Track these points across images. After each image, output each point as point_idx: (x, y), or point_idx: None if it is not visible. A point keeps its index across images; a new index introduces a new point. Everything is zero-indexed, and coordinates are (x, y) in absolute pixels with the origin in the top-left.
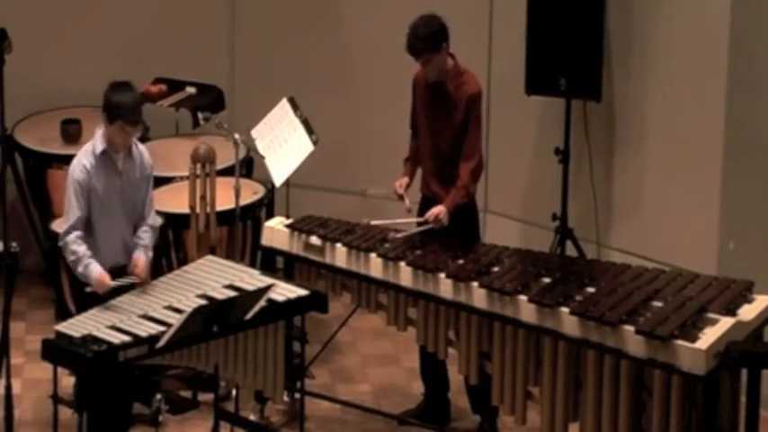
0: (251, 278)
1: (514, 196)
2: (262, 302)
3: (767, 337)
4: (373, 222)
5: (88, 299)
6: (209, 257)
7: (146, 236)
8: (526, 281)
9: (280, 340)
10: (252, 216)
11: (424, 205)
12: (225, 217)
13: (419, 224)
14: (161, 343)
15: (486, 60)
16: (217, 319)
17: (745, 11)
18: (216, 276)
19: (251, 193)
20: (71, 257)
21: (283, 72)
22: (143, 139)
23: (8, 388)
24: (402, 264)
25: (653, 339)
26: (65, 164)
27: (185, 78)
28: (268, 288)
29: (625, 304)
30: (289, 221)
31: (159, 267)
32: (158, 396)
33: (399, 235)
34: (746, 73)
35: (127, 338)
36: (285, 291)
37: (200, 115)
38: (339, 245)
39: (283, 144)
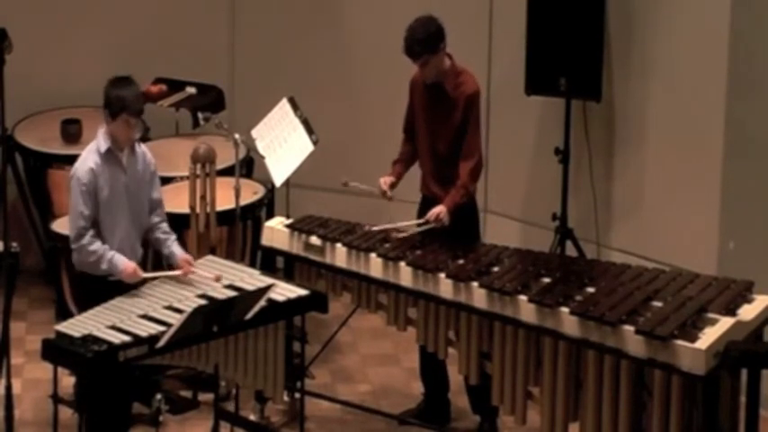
0: (251, 278)
1: (514, 196)
2: (262, 302)
3: (767, 337)
4: (374, 228)
5: (89, 296)
6: (210, 257)
7: (168, 227)
8: (526, 281)
9: (280, 340)
10: (252, 216)
11: (424, 205)
12: (225, 217)
13: (420, 225)
14: (161, 343)
15: (486, 60)
16: (217, 319)
17: (745, 11)
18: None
19: (251, 193)
20: (91, 258)
21: (283, 72)
22: (143, 139)
23: (8, 388)
24: (402, 264)
25: (653, 339)
26: (65, 164)
27: (185, 78)
28: (268, 288)
29: (625, 304)
30: (289, 221)
31: (159, 267)
32: (158, 396)
33: (401, 235)
34: (746, 73)
35: (127, 338)
36: (285, 291)
37: (200, 115)
38: (339, 245)
39: (283, 144)
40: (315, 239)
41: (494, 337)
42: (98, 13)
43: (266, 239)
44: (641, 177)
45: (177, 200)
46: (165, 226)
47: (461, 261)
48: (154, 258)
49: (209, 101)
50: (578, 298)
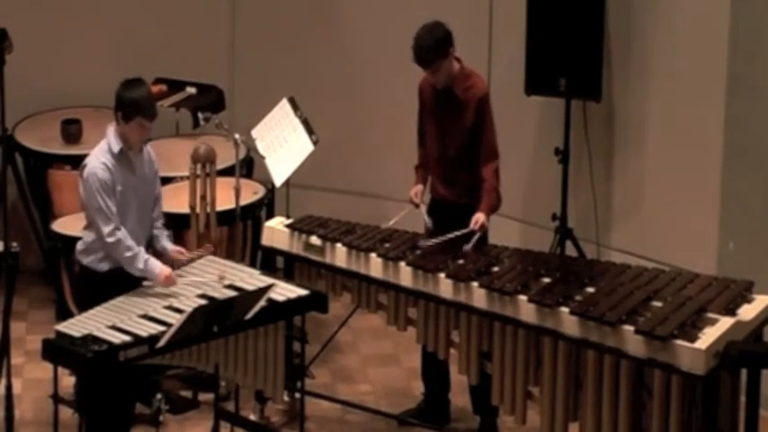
0: (251, 278)
1: (514, 196)
2: (262, 302)
3: (767, 336)
4: (428, 243)
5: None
6: (210, 257)
7: (161, 224)
8: (526, 281)
9: (280, 340)
10: (252, 216)
11: (433, 208)
12: (225, 217)
13: (467, 235)
14: (161, 343)
15: (486, 61)
16: (217, 318)
17: (745, 11)
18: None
19: (251, 193)
20: (127, 253)
21: (283, 72)
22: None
23: (9, 388)
24: (402, 264)
25: (653, 339)
26: (65, 164)
27: (185, 78)
28: (268, 288)
29: (625, 304)
30: (289, 221)
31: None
32: (159, 396)
33: (430, 242)
34: (746, 73)
35: (127, 338)
36: (285, 291)
37: (200, 115)
38: (339, 245)
39: (283, 144)
40: (315, 239)
41: (494, 337)
42: (98, 13)
43: (266, 239)
44: (641, 177)
45: (177, 200)
46: (160, 223)
47: (461, 261)
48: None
49: (210, 101)
50: (578, 298)
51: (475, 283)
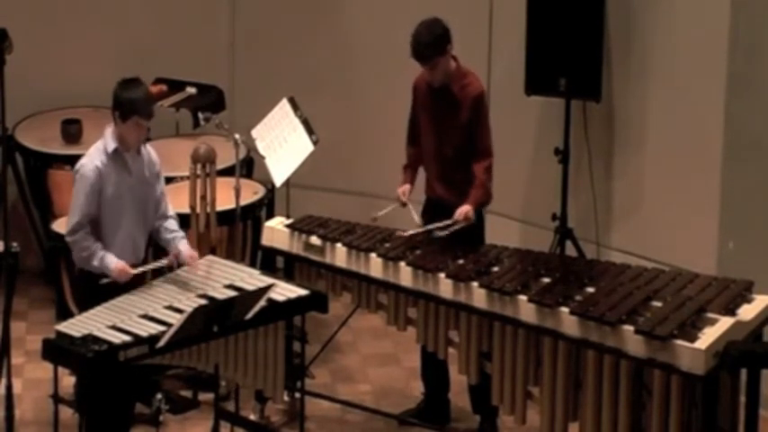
0: (251, 278)
1: (514, 196)
2: (262, 302)
3: (767, 336)
4: (408, 233)
5: (89, 295)
6: (210, 257)
7: (176, 225)
8: (526, 281)
9: (280, 340)
10: (252, 216)
11: (429, 208)
12: (225, 217)
13: (448, 226)
14: (161, 343)
15: (486, 61)
16: (217, 318)
17: (744, 11)
18: (216, 276)
19: (251, 193)
20: (83, 253)
21: (283, 72)
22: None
23: (9, 388)
24: (402, 264)
25: (652, 339)
26: (65, 164)
27: (186, 78)
28: (268, 288)
29: (624, 304)
30: (289, 221)
31: (160, 267)
32: (159, 396)
33: (407, 233)
34: (746, 73)
35: (127, 338)
36: (285, 291)
37: (200, 115)
38: (339, 245)
39: (283, 144)
40: (315, 239)
41: (494, 336)
42: (98, 13)
43: (266, 239)
44: (641, 177)
45: (177, 200)
46: (171, 224)
47: (461, 261)
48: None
49: (210, 101)
50: (578, 298)
51: (475, 283)
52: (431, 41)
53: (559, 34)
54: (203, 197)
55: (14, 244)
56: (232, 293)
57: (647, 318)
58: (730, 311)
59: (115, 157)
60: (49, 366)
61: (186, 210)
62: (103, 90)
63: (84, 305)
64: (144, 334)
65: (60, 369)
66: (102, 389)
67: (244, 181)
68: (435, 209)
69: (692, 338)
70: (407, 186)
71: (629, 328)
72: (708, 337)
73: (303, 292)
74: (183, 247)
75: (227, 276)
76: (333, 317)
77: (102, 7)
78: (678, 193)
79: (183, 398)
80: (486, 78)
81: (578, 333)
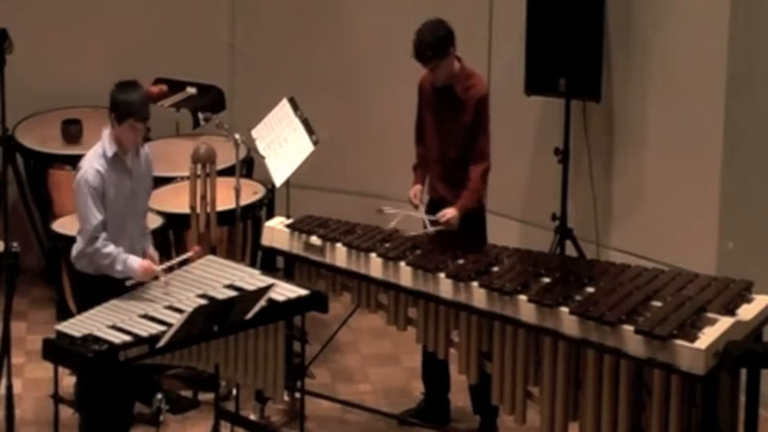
0: (251, 278)
1: (514, 196)
2: (262, 302)
3: (766, 336)
4: (386, 210)
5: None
6: (210, 257)
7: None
8: (526, 281)
9: (280, 340)
10: (252, 216)
11: (432, 208)
12: (225, 217)
13: (431, 222)
14: (162, 343)
15: (486, 60)
16: (217, 318)
17: (744, 11)
18: (216, 276)
19: (251, 193)
20: (105, 261)
21: (283, 72)
22: (144, 140)
23: (9, 387)
24: (402, 264)
25: (652, 339)
26: (66, 164)
27: (186, 78)
28: (268, 288)
29: (624, 304)
30: (289, 221)
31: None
32: (159, 395)
33: (408, 234)
34: (746, 73)
35: (127, 338)
36: (285, 291)
37: (200, 115)
38: (339, 245)
39: (283, 144)
40: (315, 239)
41: (494, 336)
42: (99, 13)
43: (266, 239)
44: (641, 177)
45: (177, 200)
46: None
47: (461, 261)
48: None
49: (210, 101)
50: (578, 298)
51: (475, 283)
52: (433, 43)
53: (559, 34)
54: (203, 197)
55: (15, 244)
56: (232, 293)
57: (646, 318)
58: (730, 311)
59: (115, 160)
60: (49, 366)
61: (186, 210)
62: (103, 90)
63: (85, 305)
64: (144, 334)
65: (60, 369)
66: (102, 389)
67: (244, 181)
68: (437, 209)
69: (692, 338)
70: (418, 187)
71: (628, 327)
72: (708, 336)
73: (303, 292)
74: (149, 248)
75: (227, 276)
76: (333, 317)
77: (102, 7)
78: (678, 193)
79: (184, 398)
80: (486, 78)
81: (578, 333)
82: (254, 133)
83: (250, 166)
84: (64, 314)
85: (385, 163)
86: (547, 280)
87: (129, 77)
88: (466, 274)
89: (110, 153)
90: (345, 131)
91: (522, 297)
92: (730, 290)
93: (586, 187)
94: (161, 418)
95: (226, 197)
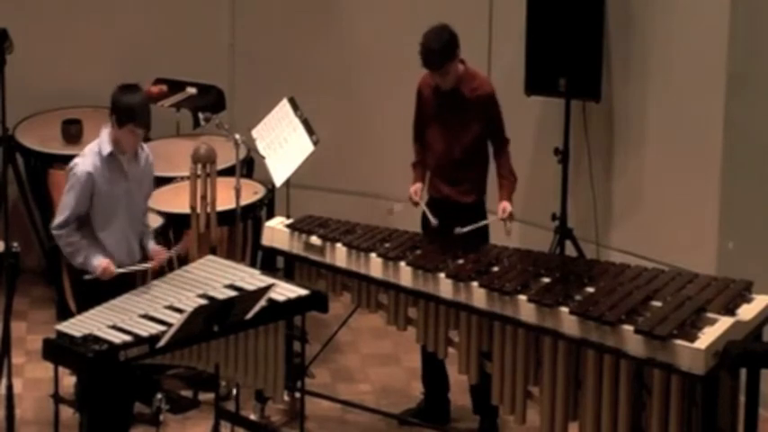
0: (251, 278)
1: (514, 196)
2: (262, 302)
3: (766, 336)
4: (396, 208)
5: (89, 296)
6: (210, 257)
7: (147, 220)
8: (526, 281)
9: (280, 340)
10: (252, 216)
11: (434, 207)
12: (225, 217)
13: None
14: (162, 342)
15: (486, 61)
16: (217, 318)
17: (744, 11)
18: (216, 276)
19: (251, 193)
20: (68, 249)
21: (283, 72)
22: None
23: (9, 387)
24: (402, 264)
25: (652, 339)
26: (66, 164)
27: (186, 79)
28: (268, 288)
29: (624, 304)
30: (289, 221)
31: (160, 267)
32: (159, 395)
33: (465, 228)
34: (745, 73)
35: (128, 338)
36: (285, 290)
37: (200, 115)
38: (339, 245)
39: (284, 144)
40: (315, 239)
41: (494, 336)
42: (99, 13)
43: (266, 239)
44: (640, 177)
45: (177, 200)
46: (145, 220)
47: (461, 261)
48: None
49: (210, 101)
50: (578, 298)
51: (475, 283)
52: (440, 49)
53: (559, 34)
54: (203, 197)
55: (15, 244)
56: (232, 293)
57: (646, 317)
58: (730, 311)
59: (110, 160)
60: (49, 366)
61: (186, 210)
62: (104, 90)
63: (85, 305)
64: (144, 334)
65: (61, 369)
66: (102, 388)
67: (244, 181)
68: (439, 207)
69: (692, 338)
70: (419, 185)
71: (628, 327)
72: (707, 336)
73: (303, 292)
74: (150, 243)
75: (227, 276)
76: (333, 317)
77: (103, 7)
78: (678, 193)
79: (184, 398)
80: None
81: (578, 333)
82: (255, 133)
83: (250, 166)
84: (64, 314)
85: (385, 163)
86: (547, 280)
87: (129, 77)
88: (466, 274)
89: (105, 152)
90: (345, 131)
91: (522, 297)
92: (730, 290)
93: (586, 187)
94: (161, 418)
95: (226, 197)
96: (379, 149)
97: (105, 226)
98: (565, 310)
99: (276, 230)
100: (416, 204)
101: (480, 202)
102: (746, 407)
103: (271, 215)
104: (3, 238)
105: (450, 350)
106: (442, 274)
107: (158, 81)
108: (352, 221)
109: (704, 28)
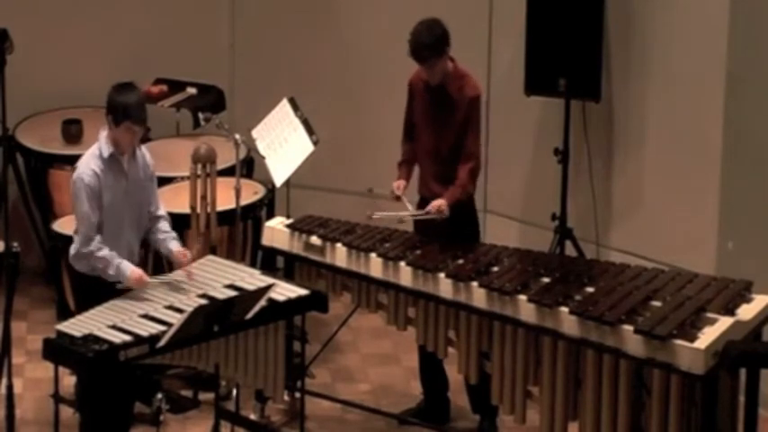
0: (251, 278)
1: (514, 196)
2: (262, 302)
3: (766, 336)
4: (376, 215)
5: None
6: (210, 257)
7: (168, 226)
8: (526, 281)
9: (280, 340)
10: (252, 216)
11: (423, 206)
12: (225, 217)
13: (422, 215)
14: (162, 342)
15: (486, 61)
16: (217, 318)
17: (744, 11)
18: (216, 276)
19: (251, 193)
20: (99, 264)
21: (283, 72)
22: (144, 140)
23: (9, 387)
24: (402, 264)
25: (652, 339)
26: (66, 164)
27: (186, 79)
28: (268, 288)
29: (624, 304)
30: (289, 221)
31: (160, 267)
32: (159, 395)
33: (380, 214)
34: (745, 73)
35: (128, 338)
36: (285, 290)
37: (200, 116)
38: (339, 245)
39: (284, 144)
40: (315, 239)
41: (493, 336)
42: (99, 13)
43: (266, 239)
44: (640, 177)
45: (177, 200)
46: (164, 225)
47: (461, 261)
48: (154, 260)
49: (210, 101)
50: (577, 298)
51: (475, 283)
52: (430, 42)
53: (559, 34)
54: (203, 197)
55: (15, 244)
56: (232, 293)
57: (646, 317)
58: (730, 311)
59: (111, 161)
60: (49, 366)
61: (186, 210)
62: (103, 90)
63: (85, 305)
64: (144, 334)
65: (61, 369)
66: (102, 388)
67: (244, 181)
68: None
69: (692, 338)
70: (402, 182)
71: (628, 327)
72: (707, 336)
73: (303, 291)
74: (175, 246)
75: (227, 276)
76: (333, 317)
77: (103, 7)
78: (678, 193)
79: (184, 397)
80: (486, 78)
81: (578, 333)
82: (255, 133)
83: (250, 166)
84: (64, 314)
85: (385, 163)
86: (547, 280)
87: (129, 77)
88: (466, 274)
89: (106, 154)
90: (345, 131)
91: (522, 297)
92: (730, 290)
93: (586, 187)
94: (161, 417)
95: (226, 197)
96: (378, 149)
97: (113, 229)
98: (565, 309)
99: (276, 230)
100: (398, 199)
101: (470, 202)
102: (746, 407)
103: (271, 215)
104: (3, 238)
105: (450, 350)
106: (442, 274)
107: (158, 81)
108: (352, 221)
109: (704, 28)
